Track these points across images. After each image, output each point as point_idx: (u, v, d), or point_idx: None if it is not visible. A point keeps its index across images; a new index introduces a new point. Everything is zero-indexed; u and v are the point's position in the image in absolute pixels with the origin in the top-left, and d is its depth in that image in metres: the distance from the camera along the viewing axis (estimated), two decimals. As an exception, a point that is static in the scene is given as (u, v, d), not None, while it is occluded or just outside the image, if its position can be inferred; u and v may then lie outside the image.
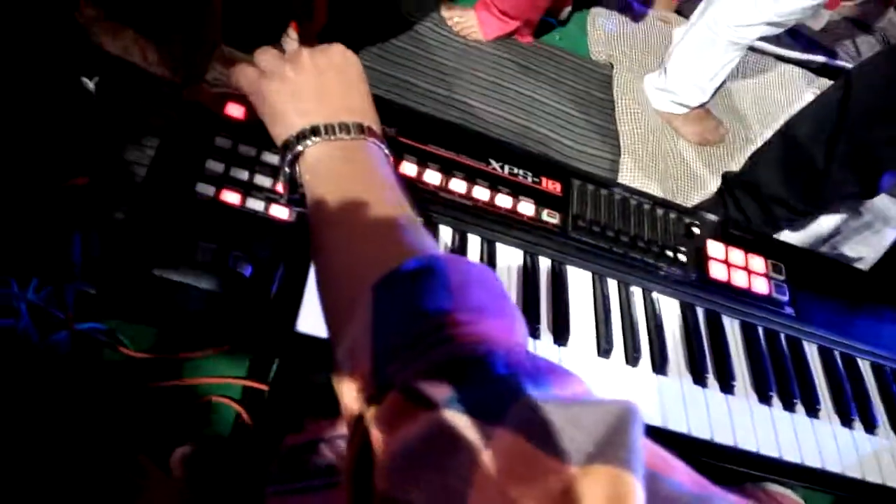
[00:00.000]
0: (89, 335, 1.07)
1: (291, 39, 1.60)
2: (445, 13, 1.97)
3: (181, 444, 0.97)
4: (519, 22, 1.95)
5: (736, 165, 1.97)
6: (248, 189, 0.61)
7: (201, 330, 0.60)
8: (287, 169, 0.52)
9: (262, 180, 0.62)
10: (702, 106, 2.00)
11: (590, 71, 2.06)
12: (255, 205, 0.61)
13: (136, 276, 0.55)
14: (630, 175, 1.89)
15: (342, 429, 0.63)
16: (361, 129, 0.51)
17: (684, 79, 1.91)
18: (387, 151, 0.53)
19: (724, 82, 1.97)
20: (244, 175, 0.62)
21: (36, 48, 0.92)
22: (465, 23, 1.94)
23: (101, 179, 0.63)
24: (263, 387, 1.03)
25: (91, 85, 0.92)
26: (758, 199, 1.52)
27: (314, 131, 0.50)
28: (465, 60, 1.91)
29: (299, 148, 0.50)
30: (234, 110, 0.65)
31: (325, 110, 0.52)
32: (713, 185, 1.95)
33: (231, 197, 0.60)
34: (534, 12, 1.94)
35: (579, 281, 0.74)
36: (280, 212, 0.61)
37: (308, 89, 0.53)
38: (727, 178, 1.64)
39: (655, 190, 1.87)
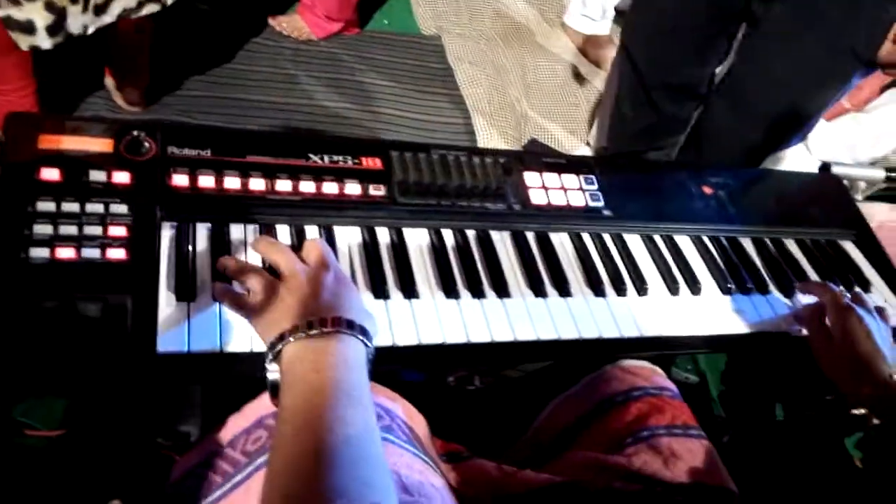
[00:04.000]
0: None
1: (117, 98, 1.60)
2: (272, 21, 2.01)
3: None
4: (342, 21, 2.02)
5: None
6: (80, 241, 0.65)
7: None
8: (268, 374, 0.58)
9: (92, 230, 0.66)
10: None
11: (421, 46, 2.16)
12: (91, 253, 0.65)
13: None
14: (485, 133, 2.00)
15: (233, 429, 0.68)
16: (334, 323, 0.58)
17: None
18: (363, 339, 0.59)
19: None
20: (73, 230, 0.66)
21: None
22: (294, 24, 2.00)
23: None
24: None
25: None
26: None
27: (293, 329, 0.57)
28: (301, 64, 1.96)
29: (279, 347, 0.57)
30: (49, 174, 0.68)
31: (302, 313, 0.59)
32: (559, 128, 2.10)
33: (66, 253, 0.64)
34: (349, 10, 2.02)
35: (417, 239, 0.82)
36: (117, 253, 0.66)
37: (289, 299, 0.61)
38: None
39: (510, 140, 1.99)
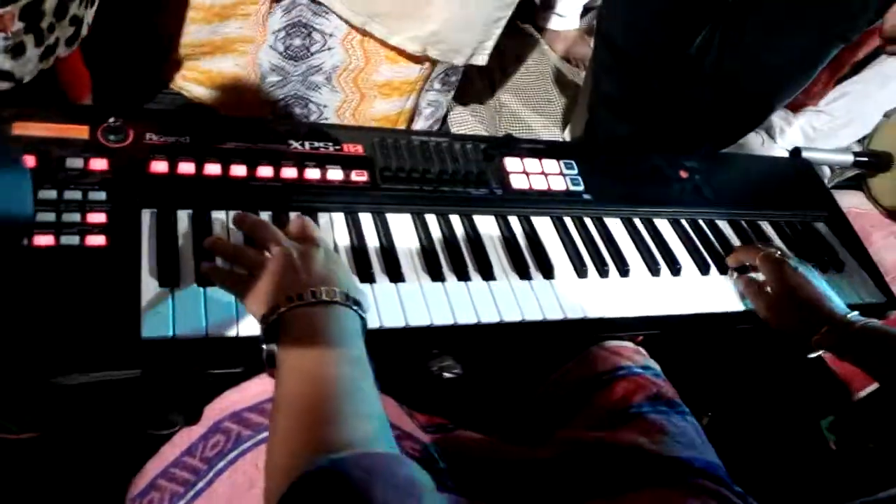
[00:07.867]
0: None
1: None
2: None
3: None
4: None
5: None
6: (58, 228, 0.64)
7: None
8: (264, 345, 0.57)
9: (71, 217, 0.65)
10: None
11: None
12: (70, 240, 0.64)
13: None
14: (461, 127, 2.00)
15: (190, 436, 0.66)
16: (329, 294, 0.57)
17: None
18: (358, 310, 0.59)
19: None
20: (51, 217, 0.64)
21: None
22: None
23: None
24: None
25: None
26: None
27: (288, 299, 0.56)
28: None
29: (274, 316, 0.56)
30: (28, 160, 0.67)
31: (295, 285, 0.58)
32: (535, 122, 2.11)
33: (44, 240, 0.63)
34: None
35: (401, 224, 0.82)
36: (96, 240, 0.64)
37: (282, 273, 0.59)
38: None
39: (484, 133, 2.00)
